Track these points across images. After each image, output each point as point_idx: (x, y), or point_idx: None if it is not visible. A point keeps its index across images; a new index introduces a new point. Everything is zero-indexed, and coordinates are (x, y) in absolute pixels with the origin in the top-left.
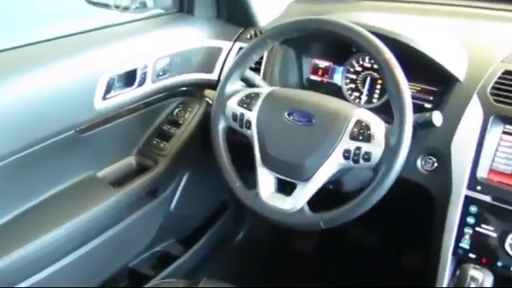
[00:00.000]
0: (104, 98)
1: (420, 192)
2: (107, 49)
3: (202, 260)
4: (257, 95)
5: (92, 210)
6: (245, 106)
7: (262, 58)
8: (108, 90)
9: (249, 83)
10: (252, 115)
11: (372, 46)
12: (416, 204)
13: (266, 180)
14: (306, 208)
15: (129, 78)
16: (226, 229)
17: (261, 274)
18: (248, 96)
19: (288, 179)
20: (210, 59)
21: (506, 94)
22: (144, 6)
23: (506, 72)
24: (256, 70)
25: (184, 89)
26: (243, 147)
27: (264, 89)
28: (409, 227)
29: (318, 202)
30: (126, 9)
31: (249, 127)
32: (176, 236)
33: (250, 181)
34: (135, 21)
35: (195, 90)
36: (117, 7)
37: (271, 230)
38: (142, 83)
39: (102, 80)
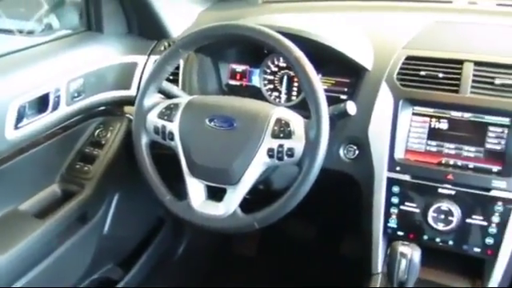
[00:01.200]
0: (16, 128)
1: (346, 180)
2: (14, 76)
3: (145, 280)
4: (176, 106)
5: (18, 246)
6: (165, 117)
7: (178, 68)
8: (19, 118)
9: (168, 95)
10: (174, 126)
11: (282, 46)
12: (345, 192)
13: (195, 189)
14: (239, 211)
15: (41, 104)
16: (165, 244)
17: (206, 282)
18: (167, 107)
19: (217, 185)
20: (125, 75)
21: (410, 78)
22: (50, 27)
23: (408, 58)
24: (174, 80)
25: (103, 108)
26: (170, 159)
27: (183, 98)
28: (342, 215)
29: (252, 203)
30: (30, 33)
31: (172, 139)
32: (114, 260)
33: (182, 192)
34: (42, 44)
35: (115, 108)
36: (20, 32)
37: (212, 238)
38: (56, 107)
39: (11, 108)
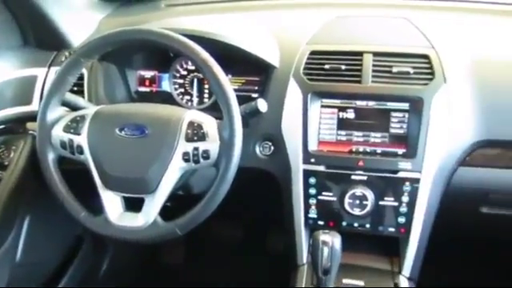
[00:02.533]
0: None
1: (265, 176)
2: None
3: None
4: (83, 117)
5: None
6: (72, 131)
7: (83, 78)
8: None
9: (73, 107)
10: (82, 139)
11: (187, 49)
12: (265, 188)
13: (111, 202)
14: (159, 219)
15: None
16: (87, 263)
17: None
18: (73, 120)
19: (134, 195)
20: (25, 90)
21: (316, 72)
22: None
23: (313, 52)
24: (79, 91)
25: (2, 127)
26: (81, 174)
27: (89, 109)
28: (266, 212)
29: (174, 210)
30: None
31: (81, 152)
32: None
33: (99, 206)
34: None
35: (16, 126)
36: None
37: (136, 250)
38: None
39: None
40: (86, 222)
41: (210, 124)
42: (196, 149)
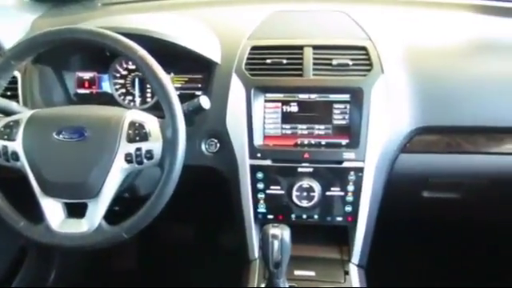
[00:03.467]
0: None
1: (213, 174)
2: None
3: None
4: (16, 122)
5: None
6: (5, 137)
7: (17, 82)
8: None
9: (5, 112)
10: (16, 145)
11: (123, 47)
12: (214, 186)
13: (52, 209)
14: (104, 224)
15: None
16: (33, 274)
17: None
18: (6, 126)
19: (76, 201)
20: None
21: (258, 67)
22: None
23: (254, 48)
24: (14, 96)
25: None
26: (19, 182)
27: (24, 114)
28: (216, 209)
29: (124, 213)
30: None
31: (17, 159)
32: None
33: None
34: None
35: None
36: None
37: (85, 257)
38: None
39: None
40: (26, 231)
41: (152, 123)
42: (138, 149)
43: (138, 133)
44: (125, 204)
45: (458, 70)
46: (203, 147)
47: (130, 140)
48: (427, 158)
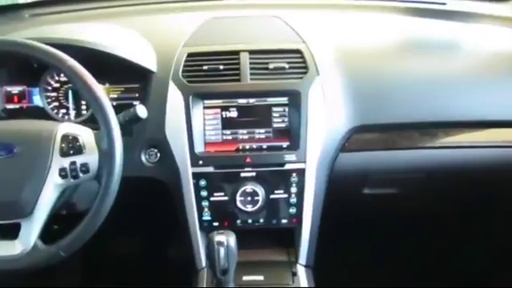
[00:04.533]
0: None
1: (156, 184)
2: None
3: None
4: None
5: None
6: None
7: None
8: None
9: None
10: None
11: (52, 58)
12: (158, 197)
13: None
14: (40, 243)
15: None
16: None
17: None
18: None
19: (8, 222)
20: None
21: (195, 73)
22: None
23: (190, 54)
24: None
25: None
26: None
27: None
28: (162, 220)
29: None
30: None
31: None
32: None
33: None
34: None
35: None
36: None
37: (24, 278)
38: None
39: None
40: None
41: (86, 135)
42: (73, 163)
43: (72, 146)
44: (64, 221)
45: (389, 70)
46: (143, 158)
47: (64, 154)
48: (366, 156)
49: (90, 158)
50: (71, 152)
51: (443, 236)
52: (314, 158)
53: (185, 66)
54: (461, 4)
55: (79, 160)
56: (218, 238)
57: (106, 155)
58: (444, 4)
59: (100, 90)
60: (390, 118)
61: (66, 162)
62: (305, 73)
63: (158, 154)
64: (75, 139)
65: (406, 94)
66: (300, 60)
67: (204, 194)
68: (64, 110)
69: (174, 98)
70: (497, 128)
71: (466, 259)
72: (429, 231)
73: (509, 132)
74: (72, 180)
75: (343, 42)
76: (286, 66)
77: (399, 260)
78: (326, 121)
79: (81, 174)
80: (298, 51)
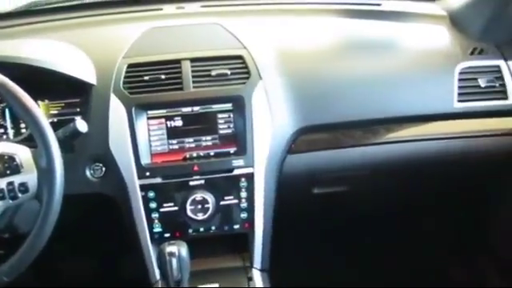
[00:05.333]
0: None
1: (103, 200)
2: None
3: None
4: None
5: None
6: None
7: None
8: None
9: None
10: None
11: None
12: (107, 212)
13: None
14: None
15: None
16: None
17: None
18: None
19: None
20: None
21: (137, 84)
22: None
23: (130, 66)
24: None
25: None
26: None
27: None
28: (114, 236)
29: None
30: None
31: None
32: None
33: None
34: None
35: None
36: None
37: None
38: None
39: None
40: None
41: (23, 154)
42: (11, 183)
43: (9, 166)
44: (9, 245)
45: (329, 71)
46: (88, 173)
47: (0, 174)
48: (312, 156)
49: (29, 176)
50: (8, 172)
51: (393, 232)
52: (261, 161)
53: (125, 77)
54: (395, 4)
55: (17, 180)
56: (170, 248)
57: (45, 173)
58: (379, 5)
59: (34, 106)
60: (332, 118)
61: (2, 183)
62: (247, 78)
63: (104, 169)
64: (12, 159)
65: (346, 93)
66: (242, 65)
67: (153, 205)
68: (1, 130)
69: (117, 111)
70: (433, 121)
71: (418, 253)
72: (379, 227)
73: (445, 124)
74: (11, 201)
75: (284, 46)
76: (229, 72)
77: (354, 258)
78: (271, 124)
79: (20, 194)
80: (239, 57)
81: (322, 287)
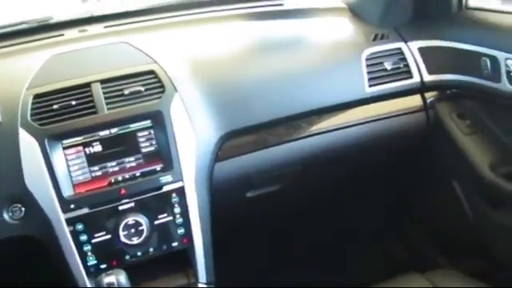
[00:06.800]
0: None
1: (27, 242)
2: None
3: None
4: None
5: None
6: None
7: None
8: None
9: None
10: None
11: None
12: (34, 255)
13: None
14: None
15: None
16: None
17: None
18: None
19: None
20: None
21: (46, 115)
22: None
23: (36, 96)
24: None
25: None
26: None
27: None
28: (47, 279)
29: None
30: None
31: None
32: None
33: None
34: None
35: None
36: None
37: None
38: None
39: None
40: None
41: None
42: None
43: None
44: None
45: (242, 73)
46: (6, 216)
47: None
48: (242, 160)
49: None
50: None
51: (332, 222)
52: (190, 174)
53: (33, 109)
54: (297, 2)
55: None
56: (107, 279)
57: None
58: (282, 5)
59: None
60: (254, 119)
61: None
62: (162, 92)
63: (23, 209)
64: None
65: (263, 93)
66: (155, 80)
67: (84, 238)
68: None
69: (28, 145)
70: (350, 108)
71: (355, 239)
72: (317, 220)
73: (361, 110)
74: None
75: (195, 56)
76: (142, 88)
77: (298, 255)
78: (194, 135)
79: None
80: (151, 72)
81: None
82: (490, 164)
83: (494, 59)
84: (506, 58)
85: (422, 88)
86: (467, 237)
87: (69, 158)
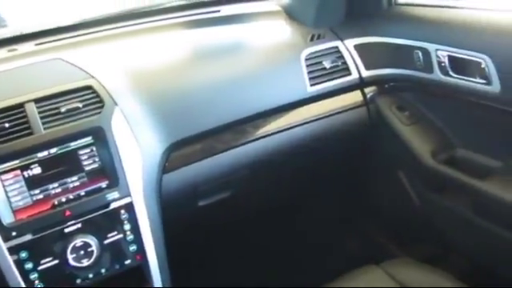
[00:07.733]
0: None
1: None
2: None
3: None
4: None
5: None
6: None
7: None
8: None
9: None
10: None
11: None
12: None
13: None
14: None
15: None
16: None
17: None
18: None
19: None
20: None
21: None
22: None
23: None
24: None
25: None
26: None
27: None
28: None
29: None
30: None
31: None
32: None
33: None
34: None
35: None
36: None
37: None
38: None
39: None
40: None
41: None
42: None
43: None
44: None
45: (183, 83)
46: None
47: None
48: (190, 170)
49: None
50: None
51: (288, 223)
52: (137, 188)
53: None
54: (233, 8)
55: None
56: None
57: None
58: (218, 11)
59: None
60: (198, 128)
61: None
62: (101, 107)
63: None
64: None
65: (205, 101)
66: (93, 95)
67: (29, 266)
68: None
69: None
70: (293, 109)
71: (314, 238)
72: (272, 223)
73: (304, 109)
74: None
75: (133, 67)
76: (80, 105)
77: (258, 258)
78: (138, 148)
79: None
80: (88, 87)
81: None
82: (431, 152)
83: (425, 51)
84: (437, 49)
85: (360, 84)
86: (417, 224)
87: (6, 183)
